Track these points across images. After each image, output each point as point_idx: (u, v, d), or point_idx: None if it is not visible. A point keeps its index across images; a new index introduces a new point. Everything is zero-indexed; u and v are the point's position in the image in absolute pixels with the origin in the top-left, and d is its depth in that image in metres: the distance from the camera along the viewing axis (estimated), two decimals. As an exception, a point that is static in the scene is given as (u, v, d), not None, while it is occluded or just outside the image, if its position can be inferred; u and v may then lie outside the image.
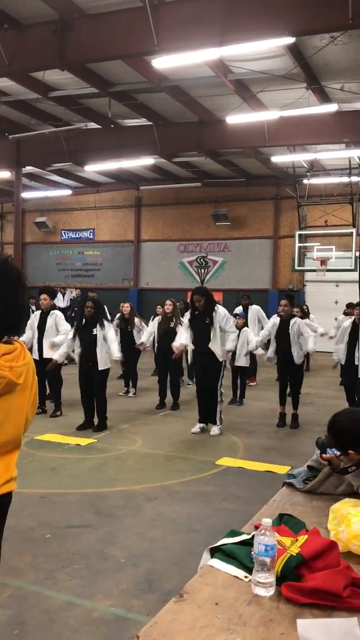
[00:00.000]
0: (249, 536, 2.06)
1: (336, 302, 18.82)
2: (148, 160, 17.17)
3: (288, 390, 8.15)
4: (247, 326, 9.96)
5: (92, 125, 15.18)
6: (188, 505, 4.84)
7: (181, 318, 8.89)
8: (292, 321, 7.84)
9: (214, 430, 7.39)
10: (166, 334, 8.95)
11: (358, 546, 1.98)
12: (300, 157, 16.39)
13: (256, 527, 2.25)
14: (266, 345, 8.49)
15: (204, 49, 9.55)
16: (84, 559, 3.81)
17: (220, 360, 7.36)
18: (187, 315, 7.66)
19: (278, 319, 7.97)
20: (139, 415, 8.55)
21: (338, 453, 2.48)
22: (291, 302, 8.28)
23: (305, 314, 12.14)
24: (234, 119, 13.11)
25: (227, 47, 9.53)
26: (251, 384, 10.82)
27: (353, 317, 8.10)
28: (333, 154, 15.76)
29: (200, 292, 7.48)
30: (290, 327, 7.79)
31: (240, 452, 6.57)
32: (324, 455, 2.59)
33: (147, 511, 4.71)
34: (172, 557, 3.89)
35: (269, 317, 12.72)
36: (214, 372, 7.34)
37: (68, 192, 21.85)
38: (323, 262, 16.88)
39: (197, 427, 7.50)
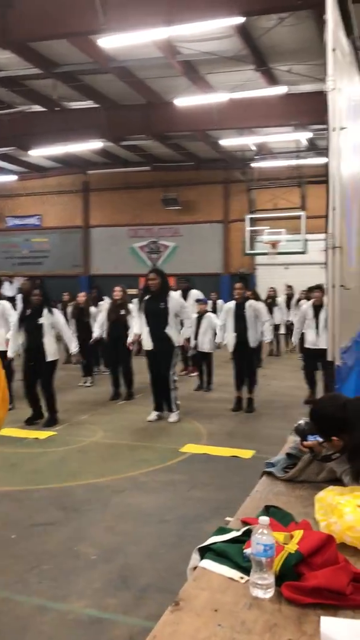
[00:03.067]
0: (239, 532, 1.98)
1: (286, 284, 19.08)
2: (96, 144, 16.78)
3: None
4: (210, 311, 9.93)
5: (37, 107, 14.69)
6: (156, 496, 4.76)
7: (130, 305, 8.76)
8: (247, 304, 7.82)
9: (172, 417, 7.30)
10: (116, 322, 8.70)
11: (352, 537, 1.92)
12: (249, 140, 16.39)
13: (243, 522, 2.18)
14: None
15: (152, 28, 9.32)
16: (53, 559, 3.67)
17: (176, 345, 7.27)
18: (135, 302, 7.52)
19: (233, 303, 7.92)
20: (97, 405, 8.39)
21: (320, 440, 2.42)
22: (246, 285, 8.28)
23: (257, 298, 12.09)
24: (182, 102, 12.93)
25: (176, 27, 9.32)
26: (192, 374, 10.68)
27: (312, 300, 8.14)
28: (281, 137, 15.82)
29: (156, 271, 7.33)
30: (245, 310, 7.76)
31: (204, 438, 6.53)
32: (305, 442, 2.53)
33: (115, 504, 4.59)
34: (144, 550, 3.80)
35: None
36: (166, 359, 7.23)
37: (13, 177, 21.16)
38: (274, 245, 17.00)
39: (152, 415, 7.39)
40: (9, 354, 7.34)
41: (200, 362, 9.54)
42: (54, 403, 7.28)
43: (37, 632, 2.91)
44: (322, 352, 7.90)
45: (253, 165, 17.88)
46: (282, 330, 14.09)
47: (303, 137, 15.78)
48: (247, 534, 1.96)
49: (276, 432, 6.75)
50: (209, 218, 20.68)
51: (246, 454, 5.85)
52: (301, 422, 2.68)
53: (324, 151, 14.42)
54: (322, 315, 7.88)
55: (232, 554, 1.86)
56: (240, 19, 9.15)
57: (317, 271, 19.63)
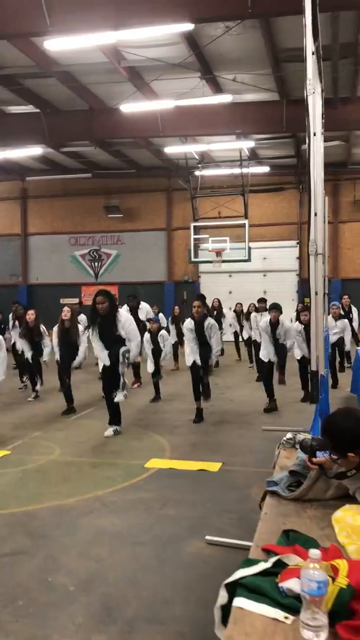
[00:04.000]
0: (269, 564, 1.82)
1: (230, 292, 19.21)
2: (35, 150, 16.34)
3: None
4: (165, 329, 9.80)
5: (-26, 111, 14.16)
6: (127, 516, 4.52)
7: (81, 327, 8.55)
8: (207, 323, 7.75)
9: (119, 395, 7.01)
10: (65, 345, 8.43)
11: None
12: (192, 148, 16.39)
13: (265, 551, 2.02)
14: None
15: (99, 32, 9.10)
16: (27, 593, 3.38)
17: (126, 363, 7.11)
18: (83, 319, 7.32)
19: (192, 323, 7.79)
20: (49, 421, 8.04)
21: (334, 456, 2.30)
22: (203, 302, 8.24)
23: (218, 309, 11.93)
24: (127, 108, 12.74)
25: (123, 32, 9.15)
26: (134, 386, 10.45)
27: (269, 317, 8.38)
28: (224, 145, 15.91)
29: (103, 294, 7.10)
30: (205, 329, 7.69)
31: (168, 452, 6.33)
32: (314, 459, 2.41)
33: (84, 527, 4.33)
34: (124, 576, 3.57)
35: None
36: (115, 374, 7.03)
37: None
38: (218, 253, 17.05)
39: (109, 430, 7.13)
40: None
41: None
42: None
43: None
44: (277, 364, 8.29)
45: (196, 173, 17.90)
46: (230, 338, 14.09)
47: (246, 146, 15.93)
48: (278, 565, 1.82)
49: (239, 443, 6.68)
50: (152, 226, 20.57)
51: (213, 467, 5.70)
52: (307, 437, 2.57)
53: (265, 160, 14.76)
54: (279, 331, 8.35)
55: (267, 589, 1.70)
56: (189, 26, 9.08)
57: (259, 279, 19.96)
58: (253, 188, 18.00)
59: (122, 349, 6.94)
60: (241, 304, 13.74)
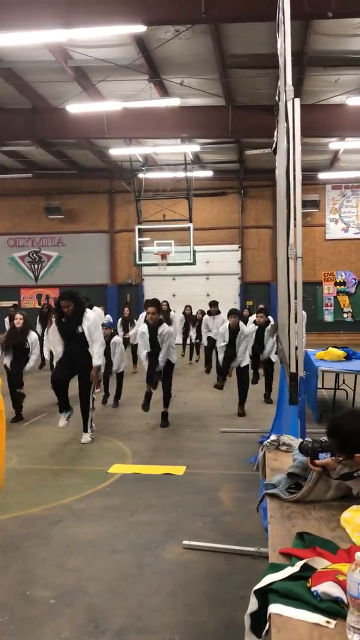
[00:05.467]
0: (297, 568, 1.81)
1: (174, 295, 19.25)
2: (-27, 148, 15.83)
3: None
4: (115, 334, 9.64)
5: None
6: (99, 524, 4.43)
7: (34, 334, 8.31)
8: (160, 329, 7.65)
9: (85, 437, 6.89)
10: (15, 348, 8.14)
11: None
12: (137, 151, 16.33)
13: (285, 554, 2.02)
14: None
15: (48, 29, 8.89)
16: (7, 608, 3.24)
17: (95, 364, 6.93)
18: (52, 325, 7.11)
19: (146, 327, 7.72)
20: (1, 427, 7.76)
21: (340, 457, 2.33)
22: (158, 308, 8.08)
23: (165, 313, 11.77)
24: (73, 109, 12.53)
25: (72, 31, 8.97)
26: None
27: (228, 323, 8.41)
28: (169, 149, 15.96)
29: (67, 296, 6.90)
30: (158, 335, 7.62)
31: (129, 457, 6.26)
32: (317, 461, 2.43)
33: (56, 537, 4.20)
34: (106, 586, 3.48)
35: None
36: (86, 377, 6.89)
37: None
38: (163, 256, 17.07)
39: (62, 419, 6.88)
40: None
41: (109, 380, 9.22)
42: None
43: None
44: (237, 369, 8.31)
45: (140, 175, 17.85)
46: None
47: (190, 150, 16.03)
48: (306, 569, 1.81)
49: (199, 445, 6.69)
50: (94, 228, 20.35)
51: (178, 470, 5.68)
52: (306, 440, 2.59)
53: (207, 165, 14.89)
54: (238, 338, 8.36)
55: (301, 594, 1.69)
56: (141, 28, 9.03)
57: (203, 282, 20.11)
58: (196, 192, 18.15)
59: (93, 384, 6.85)
60: (190, 307, 13.78)
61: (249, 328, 8.98)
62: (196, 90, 12.72)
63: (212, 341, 11.60)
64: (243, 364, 8.38)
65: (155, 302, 7.77)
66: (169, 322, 10.80)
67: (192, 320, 13.64)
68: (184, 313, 13.92)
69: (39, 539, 4.17)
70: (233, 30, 10.12)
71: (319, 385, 8.50)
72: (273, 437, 3.41)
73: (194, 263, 17.21)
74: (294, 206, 3.62)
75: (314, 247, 19.66)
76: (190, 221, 17.15)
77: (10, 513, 4.68)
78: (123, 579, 3.57)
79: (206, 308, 12.73)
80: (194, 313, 13.96)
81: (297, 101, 3.57)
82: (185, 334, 13.66)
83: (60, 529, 4.35)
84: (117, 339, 9.08)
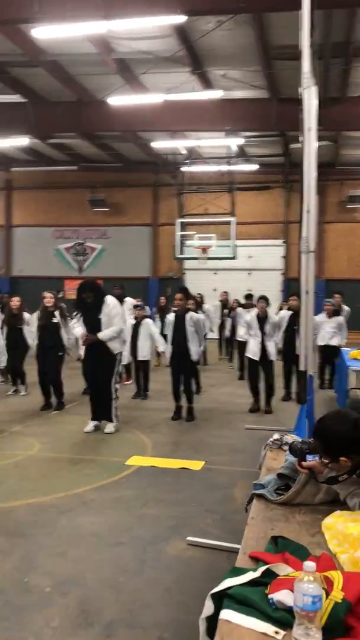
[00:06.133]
0: (257, 574, 1.73)
1: (214, 290, 19.09)
2: (21, 140, 16.06)
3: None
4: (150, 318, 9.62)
5: None
6: (107, 515, 4.42)
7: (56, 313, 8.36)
8: (188, 316, 7.60)
9: (109, 427, 6.92)
10: (46, 329, 8.23)
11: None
12: (180, 144, 16.27)
13: (253, 559, 1.93)
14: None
15: (90, 21, 8.92)
16: (1, 594, 3.26)
17: (115, 352, 6.94)
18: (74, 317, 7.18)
19: (173, 315, 7.69)
20: (30, 415, 7.89)
21: (325, 460, 2.22)
22: (186, 295, 8.01)
23: (199, 305, 11.58)
24: (115, 101, 12.56)
25: (113, 22, 8.97)
26: (126, 383, 10.27)
27: (256, 310, 8.19)
28: (213, 142, 15.80)
29: (88, 288, 6.94)
30: (186, 322, 7.55)
31: (149, 450, 6.24)
32: (304, 463, 2.32)
33: (63, 526, 4.22)
34: (103, 578, 3.46)
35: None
36: (106, 367, 6.88)
37: None
38: (204, 250, 16.96)
39: (90, 425, 6.99)
40: None
41: (137, 369, 9.23)
42: None
43: None
44: (263, 363, 8.03)
45: (183, 169, 17.78)
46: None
47: (234, 143, 15.83)
48: (267, 575, 1.73)
49: (222, 442, 6.61)
50: (138, 221, 20.41)
51: (196, 465, 5.62)
52: (296, 440, 2.49)
53: (253, 158, 14.61)
54: (267, 327, 7.97)
55: (256, 600, 1.61)
56: (181, 18, 8.94)
57: (244, 277, 19.91)
58: (240, 186, 17.94)
59: (114, 373, 6.86)
60: (227, 293, 13.57)
61: (280, 314, 8.76)
62: (239, 82, 12.55)
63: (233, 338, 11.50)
64: (271, 357, 8.16)
65: (182, 290, 7.76)
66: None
67: (227, 306, 13.41)
68: (220, 301, 13.72)
69: (46, 527, 4.20)
70: (276, 20, 9.90)
71: (354, 385, 8.26)
72: (276, 436, 3.31)
73: (234, 257, 17.03)
74: (308, 198, 3.49)
75: (360, 243, 19.20)
76: (233, 215, 16.97)
77: (23, 500, 4.73)
78: (121, 572, 3.54)
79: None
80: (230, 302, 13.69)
81: (314, 89, 3.43)
82: (221, 325, 13.38)
83: (68, 518, 4.36)
84: (148, 321, 9.07)
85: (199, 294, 13.18)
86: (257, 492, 2.52)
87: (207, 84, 12.68)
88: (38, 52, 11.34)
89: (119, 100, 12.50)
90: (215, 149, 16.85)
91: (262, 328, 8.04)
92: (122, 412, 7.93)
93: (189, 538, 3.95)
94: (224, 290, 14.02)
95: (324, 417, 2.25)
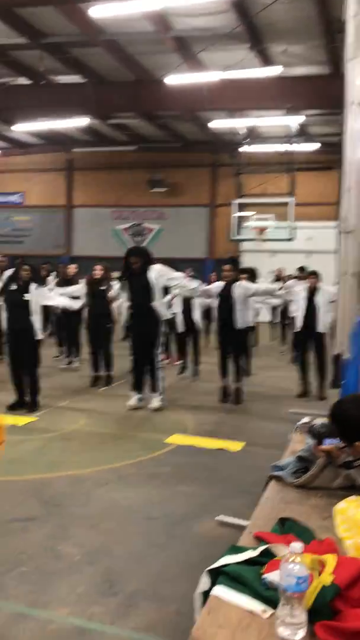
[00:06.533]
0: (256, 552, 1.72)
1: (271, 272, 18.84)
2: (81, 121, 16.25)
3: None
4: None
5: (22, 80, 14.15)
6: (142, 490, 4.50)
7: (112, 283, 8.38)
8: (236, 285, 7.40)
9: (155, 401, 6.93)
10: (96, 298, 8.27)
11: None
12: (239, 123, 16.01)
13: (257, 538, 1.92)
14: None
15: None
16: (32, 559, 3.39)
17: (161, 319, 6.96)
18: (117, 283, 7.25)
19: (222, 283, 7.58)
20: (79, 391, 8.10)
21: (341, 444, 2.17)
22: (235, 267, 7.88)
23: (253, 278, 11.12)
24: (173, 80, 12.47)
25: (171, -2, 8.88)
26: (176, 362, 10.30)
27: (308, 283, 7.92)
28: (272, 121, 15.48)
29: (136, 252, 6.95)
30: (232, 290, 7.40)
31: (190, 429, 6.28)
32: (321, 446, 2.28)
33: (98, 499, 4.32)
34: (131, 551, 3.54)
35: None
36: (151, 335, 6.86)
37: (-6, 152, 20.54)
38: (260, 231, 16.72)
39: (133, 399, 6.99)
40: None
41: (186, 343, 9.20)
42: (38, 386, 6.94)
43: (15, 645, 2.64)
44: (311, 335, 7.73)
45: (242, 149, 17.51)
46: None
47: (294, 121, 15.45)
48: (265, 555, 1.71)
49: (266, 425, 6.56)
50: (196, 201, 20.31)
51: (235, 446, 5.62)
52: (314, 423, 2.44)
53: (315, 137, 14.11)
54: (319, 299, 7.69)
55: (250, 579, 1.60)
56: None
57: (302, 259, 19.43)
58: (300, 166, 17.50)
59: (157, 343, 6.83)
60: (281, 269, 13.31)
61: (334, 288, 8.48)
62: (300, 58, 12.20)
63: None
64: (319, 329, 7.66)
65: (231, 261, 7.68)
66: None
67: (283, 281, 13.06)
68: (276, 276, 13.42)
69: (81, 499, 4.31)
70: (339, -9, 9.52)
71: None
72: (306, 419, 3.25)
73: (292, 239, 16.70)
74: (349, 175, 3.37)
75: None
76: (292, 196, 16.61)
77: (62, 472, 4.87)
78: (149, 546, 3.60)
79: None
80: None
81: (355, 63, 3.29)
82: (274, 308, 13.04)
83: (104, 491, 4.46)
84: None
85: (250, 268, 12.88)
86: (275, 473, 2.49)
87: (266, 60, 12.38)
88: (96, 31, 11.37)
89: (177, 79, 12.40)
90: (275, 128, 16.50)
91: (310, 302, 7.73)
92: (169, 392, 8.00)
93: (219, 517, 3.96)
94: (279, 267, 13.67)
95: (341, 400, 2.20)
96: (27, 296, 6.61)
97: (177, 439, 5.82)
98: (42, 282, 7.23)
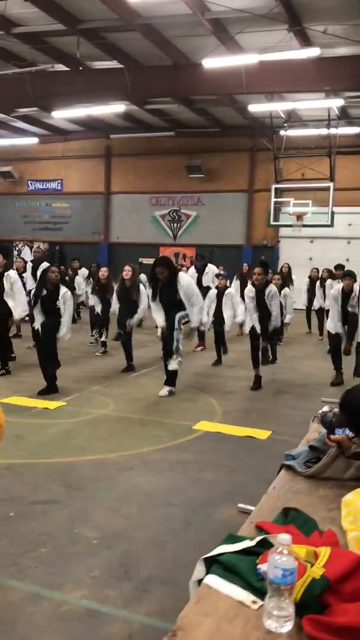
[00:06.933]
0: (252, 543, 1.68)
1: (310, 259, 18.54)
2: (119, 107, 16.25)
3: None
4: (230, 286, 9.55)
5: (60, 67, 14.21)
6: (165, 476, 4.50)
7: (142, 287, 8.42)
8: (268, 290, 7.44)
9: (172, 364, 6.97)
10: (125, 303, 8.40)
11: (387, 557, 1.62)
12: (278, 107, 15.71)
13: (258, 528, 1.89)
14: None
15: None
16: (52, 541, 3.44)
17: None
18: (149, 291, 7.27)
19: (253, 290, 7.54)
20: (110, 376, 8.15)
21: (351, 434, 2.11)
22: (265, 269, 7.82)
23: (285, 281, 10.79)
24: (210, 63, 12.31)
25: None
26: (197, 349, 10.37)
27: (342, 285, 7.82)
28: (312, 104, 15.13)
29: (162, 263, 7.01)
30: (265, 297, 7.40)
31: (218, 416, 6.25)
32: (332, 436, 2.22)
33: (121, 483, 4.35)
34: (148, 536, 3.55)
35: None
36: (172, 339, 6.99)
37: (34, 140, 20.73)
38: (299, 217, 16.44)
39: (164, 390, 7.10)
40: (36, 325, 7.25)
41: (217, 339, 9.20)
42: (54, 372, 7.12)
43: (27, 623, 2.68)
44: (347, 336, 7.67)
45: (281, 133, 17.19)
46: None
47: (335, 104, 15.06)
48: (262, 545, 1.68)
49: (295, 413, 6.47)
50: (233, 187, 20.09)
51: (262, 434, 5.57)
52: (329, 412, 2.38)
53: (356, 120, 13.79)
54: (352, 301, 7.70)
55: (244, 569, 1.57)
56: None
57: (343, 246, 19.11)
58: (341, 150, 17.06)
59: (179, 315, 6.87)
60: (317, 269, 13.04)
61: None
62: (341, 38, 11.82)
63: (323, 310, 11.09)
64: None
65: (262, 264, 7.59)
66: (287, 285, 10.48)
67: (319, 282, 12.79)
68: (309, 277, 13.13)
69: (105, 482, 4.35)
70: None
71: None
72: (325, 408, 3.17)
73: (331, 225, 16.36)
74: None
75: None
76: (332, 180, 16.25)
77: (88, 455, 4.92)
78: (167, 532, 3.61)
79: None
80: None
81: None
82: (310, 300, 12.79)
83: (127, 476, 4.49)
84: (231, 291, 9.01)
85: (286, 263, 12.68)
86: (287, 463, 2.45)
87: (305, 41, 12.08)
88: (133, 15, 11.32)
89: (214, 62, 12.24)
90: (315, 111, 16.13)
91: (344, 303, 7.72)
92: (199, 379, 8.02)
93: (240, 505, 3.93)
94: (314, 267, 13.29)
95: (351, 390, 2.13)
96: (58, 303, 6.90)
97: (205, 426, 5.80)
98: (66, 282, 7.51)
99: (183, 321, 6.94)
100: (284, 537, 1.38)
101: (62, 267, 12.33)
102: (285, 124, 16.83)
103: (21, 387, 7.28)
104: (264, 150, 18.85)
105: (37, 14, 11.59)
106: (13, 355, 8.68)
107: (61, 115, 17.39)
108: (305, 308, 13.16)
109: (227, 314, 8.91)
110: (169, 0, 10.21)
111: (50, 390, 6.96)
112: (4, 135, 20.75)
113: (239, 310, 8.87)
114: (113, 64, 14.05)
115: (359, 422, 2.03)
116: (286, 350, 10.47)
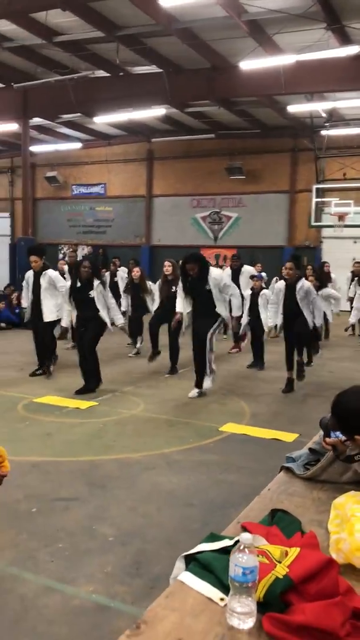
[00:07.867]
0: (232, 542, 1.71)
1: (354, 259, 18.18)
2: (159, 111, 16.43)
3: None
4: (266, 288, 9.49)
5: (100, 73, 14.47)
6: (187, 476, 4.55)
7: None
8: (299, 285, 7.33)
9: (206, 382, 6.98)
10: (168, 299, 8.38)
11: (362, 560, 1.62)
12: (318, 106, 15.53)
13: (243, 528, 1.92)
14: None
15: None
16: (69, 537, 3.54)
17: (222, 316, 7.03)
18: (180, 285, 7.29)
19: (283, 283, 7.48)
20: (143, 377, 8.25)
21: (343, 438, 2.11)
22: (297, 264, 7.72)
23: (322, 281, 10.48)
24: (248, 65, 12.31)
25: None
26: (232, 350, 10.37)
27: None
28: (353, 102, 14.89)
29: (193, 259, 7.02)
30: (296, 292, 7.31)
31: (246, 418, 6.25)
32: (327, 439, 2.22)
33: (142, 482, 4.42)
34: (164, 535, 3.60)
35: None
36: (210, 322, 6.94)
37: (78, 145, 21.15)
38: (341, 217, 16.20)
39: (194, 391, 7.13)
40: (63, 323, 7.75)
41: (253, 340, 9.17)
42: (97, 371, 7.28)
43: (38, 615, 2.78)
44: None
45: (322, 132, 16.98)
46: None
47: (377, 102, 14.78)
48: (240, 544, 1.70)
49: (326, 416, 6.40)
50: (274, 188, 19.94)
51: (288, 437, 5.54)
52: (327, 415, 2.37)
53: None
54: None
55: (218, 568, 1.60)
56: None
57: (386, 246, 18.66)
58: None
59: (210, 332, 6.87)
60: (359, 262, 12.76)
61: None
62: (381, 35, 11.62)
63: None
64: None
65: (294, 258, 7.56)
66: (325, 284, 10.33)
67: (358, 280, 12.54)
68: (352, 272, 12.87)
69: (126, 481, 4.43)
70: None
71: None
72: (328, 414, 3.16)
73: (374, 226, 16.06)
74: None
75: None
76: (374, 180, 15.95)
77: (114, 454, 5.02)
78: (183, 531, 3.65)
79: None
80: None
81: None
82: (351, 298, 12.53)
83: (149, 475, 4.56)
84: (266, 292, 8.94)
85: (325, 261, 12.48)
86: (287, 465, 2.46)
87: (344, 39, 11.91)
88: (169, 20, 11.42)
89: (252, 64, 12.23)
90: (356, 109, 15.88)
91: None
92: (231, 381, 8.02)
93: (257, 507, 3.93)
94: (357, 261, 13.07)
95: (343, 392, 2.12)
96: (92, 293, 7.06)
97: (232, 428, 5.82)
98: (101, 276, 7.63)
99: (219, 328, 7.00)
100: (245, 537, 1.41)
101: (104, 269, 12.50)
102: (327, 124, 16.63)
103: (56, 386, 7.47)
104: (305, 151, 18.68)
105: (76, 22, 11.85)
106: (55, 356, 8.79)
107: (103, 120, 17.70)
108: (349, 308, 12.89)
109: (263, 315, 8.85)
110: (205, 4, 10.25)
111: (88, 388, 7.12)
112: (48, 141, 21.24)
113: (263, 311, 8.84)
114: (152, 68, 14.21)
115: (348, 425, 2.03)
116: (324, 352, 10.33)
